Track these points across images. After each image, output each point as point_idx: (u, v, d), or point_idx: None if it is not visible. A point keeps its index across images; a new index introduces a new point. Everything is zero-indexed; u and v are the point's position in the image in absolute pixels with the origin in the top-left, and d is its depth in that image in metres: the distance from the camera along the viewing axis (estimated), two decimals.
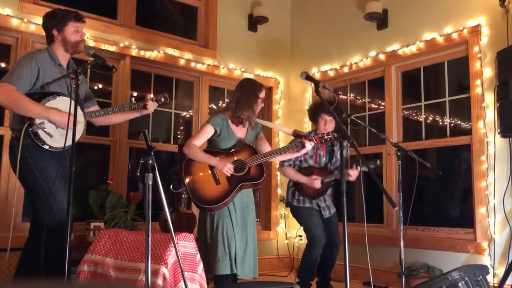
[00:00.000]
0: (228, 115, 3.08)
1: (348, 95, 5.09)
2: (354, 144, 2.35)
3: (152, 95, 3.02)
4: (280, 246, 5.11)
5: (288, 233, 5.17)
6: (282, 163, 3.67)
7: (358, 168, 3.55)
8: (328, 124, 3.66)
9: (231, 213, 2.96)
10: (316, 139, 2.99)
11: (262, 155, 3.01)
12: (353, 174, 3.55)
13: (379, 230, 4.45)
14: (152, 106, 2.94)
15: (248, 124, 3.11)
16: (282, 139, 5.27)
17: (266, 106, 5.44)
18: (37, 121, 2.54)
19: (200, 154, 2.96)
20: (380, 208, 4.49)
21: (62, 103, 2.61)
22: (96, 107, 2.97)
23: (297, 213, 3.76)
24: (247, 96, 3.04)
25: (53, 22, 2.73)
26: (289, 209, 3.87)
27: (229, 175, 2.92)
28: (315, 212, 3.68)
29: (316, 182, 3.58)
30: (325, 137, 2.98)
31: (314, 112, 3.75)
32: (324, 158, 3.74)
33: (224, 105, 4.79)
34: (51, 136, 2.57)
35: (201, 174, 2.96)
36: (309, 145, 3.01)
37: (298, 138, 3.09)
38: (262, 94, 3.09)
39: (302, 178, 3.63)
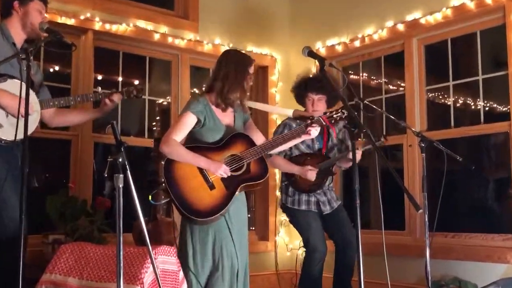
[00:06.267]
0: (210, 98, 3.01)
1: (360, 74, 5.09)
2: (369, 134, 2.35)
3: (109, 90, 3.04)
4: (281, 259, 5.13)
5: (290, 243, 5.18)
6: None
7: (360, 148, 3.52)
8: (316, 104, 3.70)
9: (228, 222, 2.93)
10: (324, 119, 2.97)
11: (263, 146, 2.97)
12: (357, 157, 3.55)
13: (400, 238, 4.48)
14: (117, 99, 2.96)
15: (240, 107, 3.08)
16: None
17: (260, 89, 5.43)
18: None
19: (184, 154, 2.88)
20: (400, 212, 4.52)
21: (13, 86, 2.61)
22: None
23: (292, 216, 3.80)
24: (235, 72, 2.97)
25: None
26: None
27: (226, 176, 2.90)
28: (313, 216, 3.71)
29: (310, 174, 3.59)
30: (334, 115, 2.96)
31: (299, 93, 3.79)
32: (318, 143, 3.76)
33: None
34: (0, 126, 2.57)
35: (188, 178, 2.89)
36: (314, 131, 3.00)
37: (301, 120, 3.08)
38: (252, 69, 3.05)
39: (295, 168, 3.63)
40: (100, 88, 3.02)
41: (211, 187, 2.88)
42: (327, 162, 3.70)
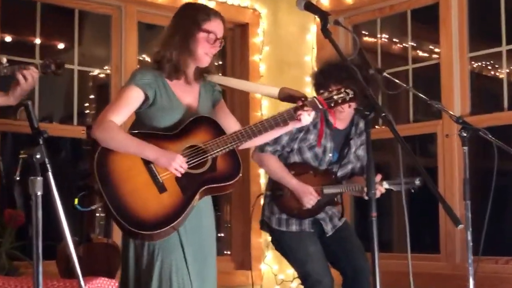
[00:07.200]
0: (164, 69, 3.00)
1: (378, 35, 5.11)
2: (390, 120, 2.35)
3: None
4: None
5: (281, 273, 5.20)
6: (262, 147, 3.66)
7: (384, 184, 3.56)
8: None
9: (183, 241, 2.95)
10: (321, 100, 2.96)
11: (235, 136, 2.97)
12: (377, 193, 3.54)
13: (433, 264, 4.52)
14: (33, 76, 2.92)
15: (191, 77, 3.04)
16: (268, 112, 5.25)
17: (238, 56, 5.42)
18: None
19: (123, 140, 2.89)
20: (433, 228, 4.55)
21: None
22: None
23: (278, 240, 3.80)
24: (181, 30, 2.98)
25: None
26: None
27: (180, 175, 2.90)
28: (309, 238, 3.73)
29: (308, 200, 3.59)
30: (335, 96, 2.95)
31: (319, 82, 3.76)
32: (331, 155, 3.76)
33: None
34: None
35: (130, 175, 2.89)
36: (307, 117, 3.00)
37: (290, 102, 3.07)
38: (211, 26, 2.99)
39: (291, 182, 3.63)
40: (5, 59, 2.95)
41: (161, 188, 2.87)
42: (335, 187, 3.70)
